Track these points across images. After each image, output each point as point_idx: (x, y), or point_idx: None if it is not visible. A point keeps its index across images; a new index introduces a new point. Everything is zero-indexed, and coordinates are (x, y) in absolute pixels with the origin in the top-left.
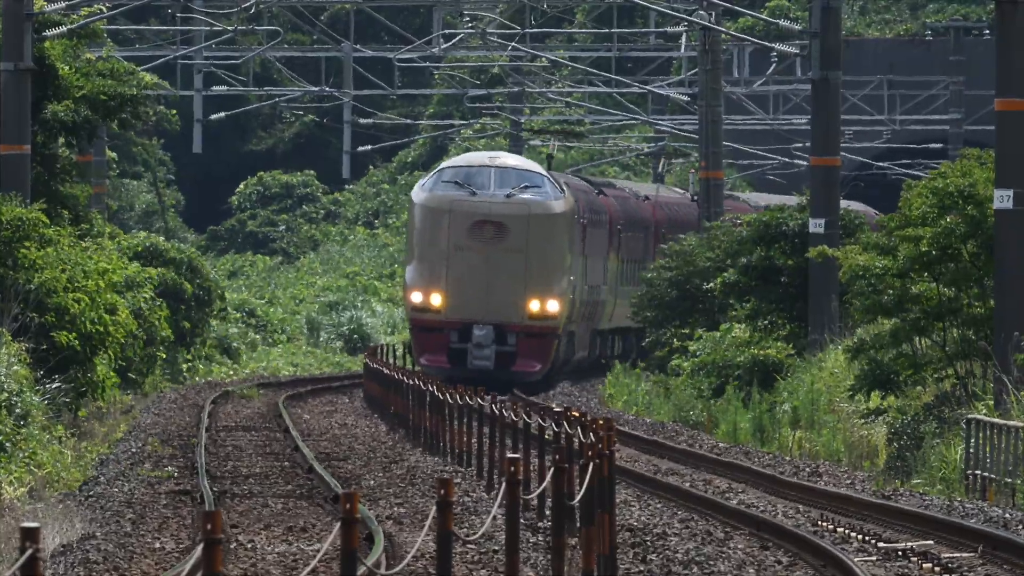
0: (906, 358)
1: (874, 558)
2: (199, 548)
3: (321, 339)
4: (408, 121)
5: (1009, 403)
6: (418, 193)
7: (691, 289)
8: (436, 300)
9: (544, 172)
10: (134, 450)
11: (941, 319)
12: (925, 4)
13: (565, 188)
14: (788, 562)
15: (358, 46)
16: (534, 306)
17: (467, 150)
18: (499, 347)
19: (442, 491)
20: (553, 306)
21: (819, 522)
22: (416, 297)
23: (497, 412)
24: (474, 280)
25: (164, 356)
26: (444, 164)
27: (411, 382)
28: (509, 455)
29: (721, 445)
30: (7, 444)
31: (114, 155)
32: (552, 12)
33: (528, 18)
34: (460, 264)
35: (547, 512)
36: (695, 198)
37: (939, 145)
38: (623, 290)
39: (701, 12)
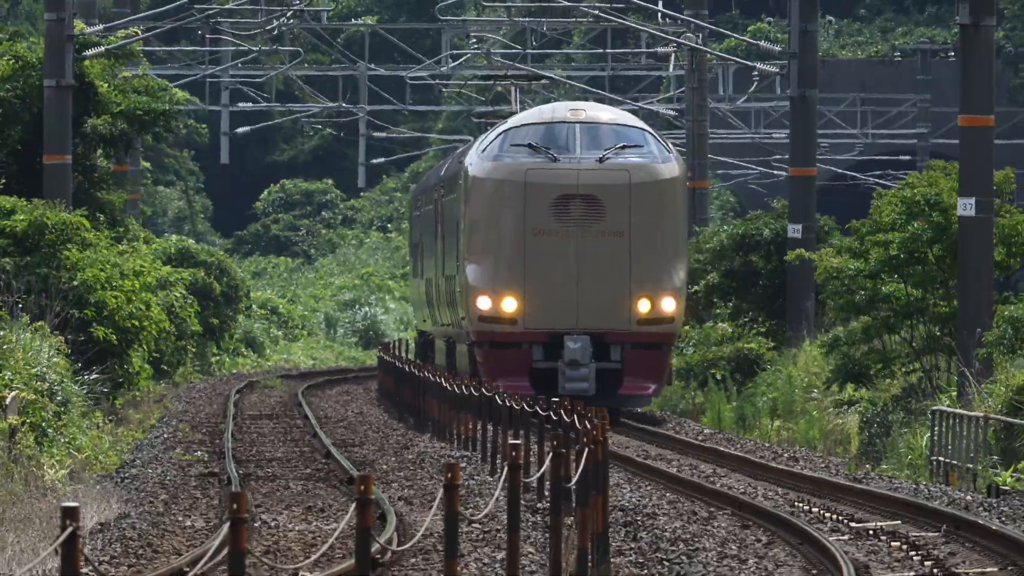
0: (876, 353)
1: (846, 537)
2: (226, 526)
3: (338, 334)
4: (419, 135)
5: (971, 395)
6: (477, 162)
7: None
8: (510, 306)
9: (645, 127)
10: (166, 436)
11: (909, 317)
12: (894, 28)
13: (672, 148)
14: (767, 540)
15: (372, 65)
16: (643, 307)
17: None
18: (599, 364)
19: (449, 475)
20: (669, 305)
21: (796, 503)
22: (483, 303)
23: (500, 403)
24: (561, 276)
25: (194, 349)
26: (511, 122)
27: (421, 375)
28: (511, 441)
29: (706, 431)
30: (49, 430)
31: (148, 165)
32: (551, 34)
33: (529, 39)
34: (541, 255)
35: (546, 494)
36: None
37: (907, 157)
38: None
39: (689, 34)
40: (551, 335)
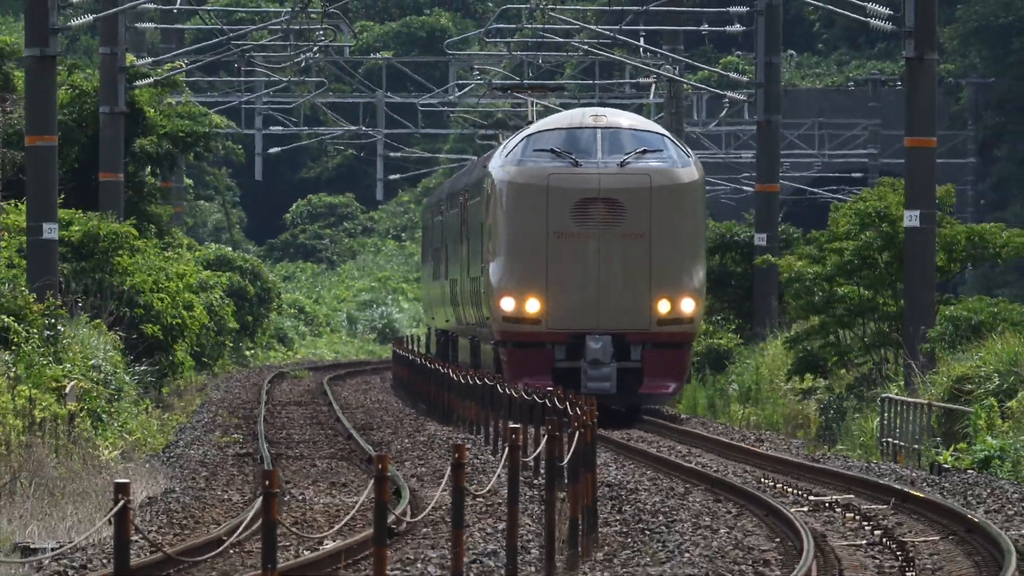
0: (832, 347)
1: (806, 509)
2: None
3: (358, 331)
4: (429, 154)
5: (916, 384)
6: (501, 167)
7: None
8: (533, 307)
9: (664, 132)
10: (206, 420)
11: (861, 316)
12: (848, 61)
13: (691, 153)
14: (737, 512)
15: (389, 94)
16: (663, 307)
17: None
18: (620, 363)
19: (456, 455)
20: (688, 305)
21: (762, 480)
22: (507, 304)
23: (502, 391)
24: (583, 278)
25: (231, 344)
26: (533, 127)
27: (432, 366)
28: (511, 426)
29: (682, 417)
30: (104, 415)
31: (191, 182)
32: (545, 66)
33: (526, 72)
34: (563, 257)
35: (541, 471)
36: None
37: (859, 174)
38: None
39: (667, 66)
40: (573, 335)
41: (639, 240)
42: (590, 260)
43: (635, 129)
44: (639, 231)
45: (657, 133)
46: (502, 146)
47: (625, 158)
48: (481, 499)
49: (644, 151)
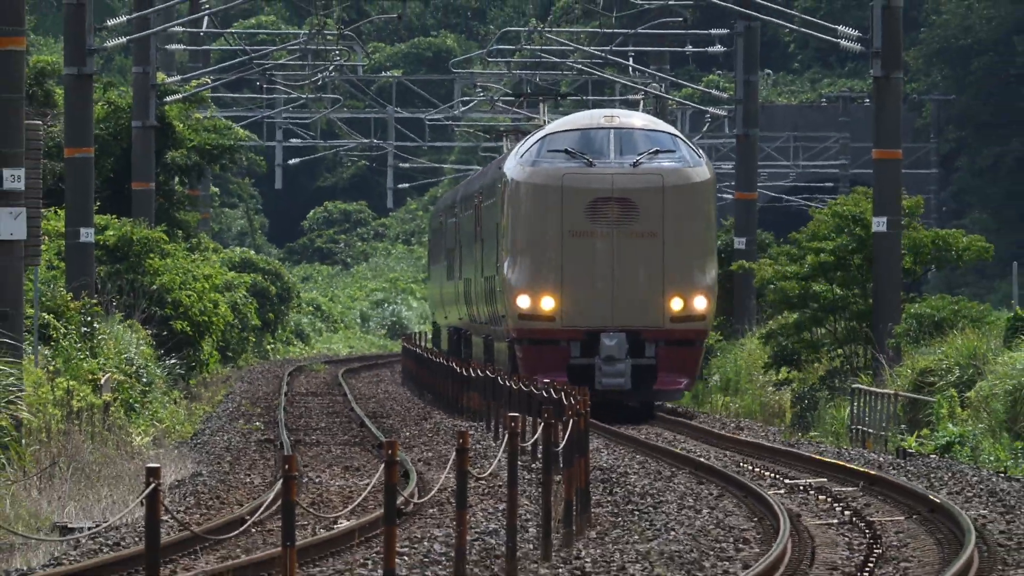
0: (806, 342)
1: (782, 491)
2: (279, 483)
3: (370, 327)
4: (435, 165)
5: (883, 376)
6: (516, 167)
7: None
8: (548, 304)
9: (676, 132)
10: (231, 409)
11: (833, 312)
12: (821, 79)
13: (702, 153)
14: (718, 493)
15: (398, 109)
16: (676, 305)
17: None
18: (634, 360)
19: (460, 441)
20: (700, 303)
21: (741, 464)
22: (523, 302)
23: (502, 383)
24: (597, 276)
25: (254, 339)
26: (548, 129)
27: (438, 360)
28: (510, 414)
29: (668, 406)
30: (136, 405)
31: (216, 190)
32: (542, 84)
33: (525, 88)
34: (578, 256)
35: (538, 456)
36: None
37: (831, 184)
38: None
39: (654, 84)
40: (588, 332)
41: (652, 239)
42: (604, 258)
43: (648, 130)
44: (652, 230)
45: (669, 134)
46: (517, 147)
47: (638, 158)
48: (483, 482)
49: (657, 151)
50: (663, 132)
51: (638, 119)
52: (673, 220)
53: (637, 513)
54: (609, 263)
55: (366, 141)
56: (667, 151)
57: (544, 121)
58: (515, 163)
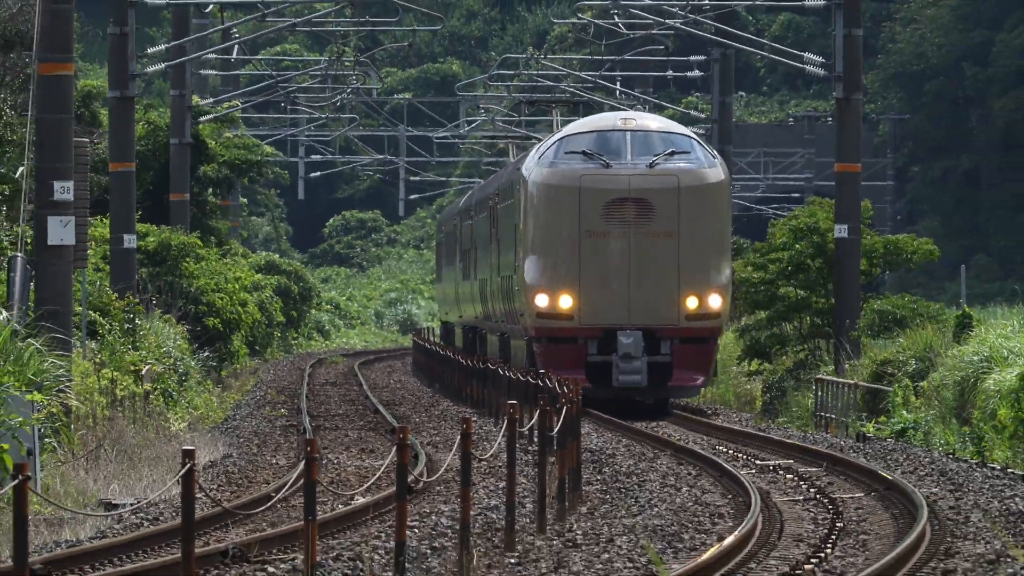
0: (775, 337)
1: (753, 471)
2: (302, 463)
3: (384, 324)
4: (443, 178)
5: (845, 367)
6: (534, 169)
7: None
8: (566, 303)
9: (691, 134)
10: (258, 398)
11: (798, 311)
12: (789, 100)
13: (717, 155)
14: (696, 473)
15: (409, 128)
16: (691, 303)
17: None
18: (650, 357)
19: (464, 426)
20: (715, 302)
21: (717, 447)
22: (541, 300)
23: (502, 374)
24: (614, 275)
25: (279, 335)
26: (565, 131)
27: (445, 353)
28: (509, 401)
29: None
30: (173, 393)
31: (245, 200)
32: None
33: (523, 110)
34: (595, 255)
35: (535, 439)
36: None
37: (797, 195)
38: None
39: (638, 106)
40: (605, 330)
41: (668, 238)
42: (621, 258)
43: (664, 131)
44: (668, 230)
45: (685, 135)
46: (535, 149)
47: (654, 159)
48: (485, 463)
49: (672, 152)
50: (679, 134)
51: (654, 121)
52: (688, 220)
53: (623, 491)
54: (625, 262)
55: (380, 156)
56: (683, 152)
57: (557, 125)
58: (533, 164)
